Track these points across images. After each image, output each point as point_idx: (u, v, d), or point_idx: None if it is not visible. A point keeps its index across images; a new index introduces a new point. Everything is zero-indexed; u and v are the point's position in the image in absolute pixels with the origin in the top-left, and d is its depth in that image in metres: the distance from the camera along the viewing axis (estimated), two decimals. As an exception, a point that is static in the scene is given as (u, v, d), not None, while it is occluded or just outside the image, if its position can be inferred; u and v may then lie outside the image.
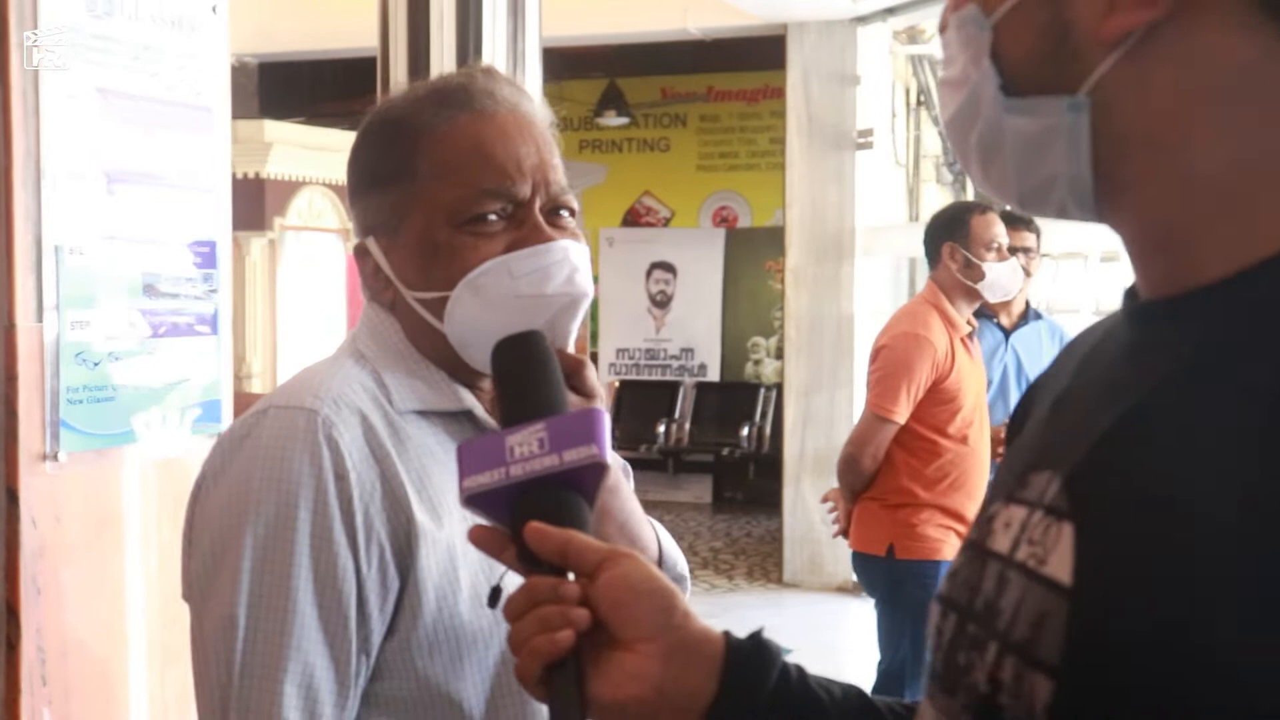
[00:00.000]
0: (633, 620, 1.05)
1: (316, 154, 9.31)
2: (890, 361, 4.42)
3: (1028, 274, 5.21)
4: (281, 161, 9.12)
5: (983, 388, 4.58)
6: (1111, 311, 1.00)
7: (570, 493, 1.13)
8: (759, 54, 9.96)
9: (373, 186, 1.49)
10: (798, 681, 1.07)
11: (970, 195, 9.80)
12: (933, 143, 9.96)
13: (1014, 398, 5.14)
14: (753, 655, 1.06)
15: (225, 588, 1.33)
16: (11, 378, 2.49)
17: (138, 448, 2.74)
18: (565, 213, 1.50)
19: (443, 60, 4.29)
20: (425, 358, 1.48)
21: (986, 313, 5.22)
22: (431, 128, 1.46)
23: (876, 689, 4.49)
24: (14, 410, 2.50)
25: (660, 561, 1.55)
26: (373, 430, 1.39)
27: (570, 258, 1.46)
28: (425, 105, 1.48)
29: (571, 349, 1.51)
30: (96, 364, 2.63)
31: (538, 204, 1.46)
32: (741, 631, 1.10)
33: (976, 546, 0.91)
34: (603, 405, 1.42)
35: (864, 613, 7.23)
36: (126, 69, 2.69)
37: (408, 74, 4.29)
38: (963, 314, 4.48)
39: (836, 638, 7.51)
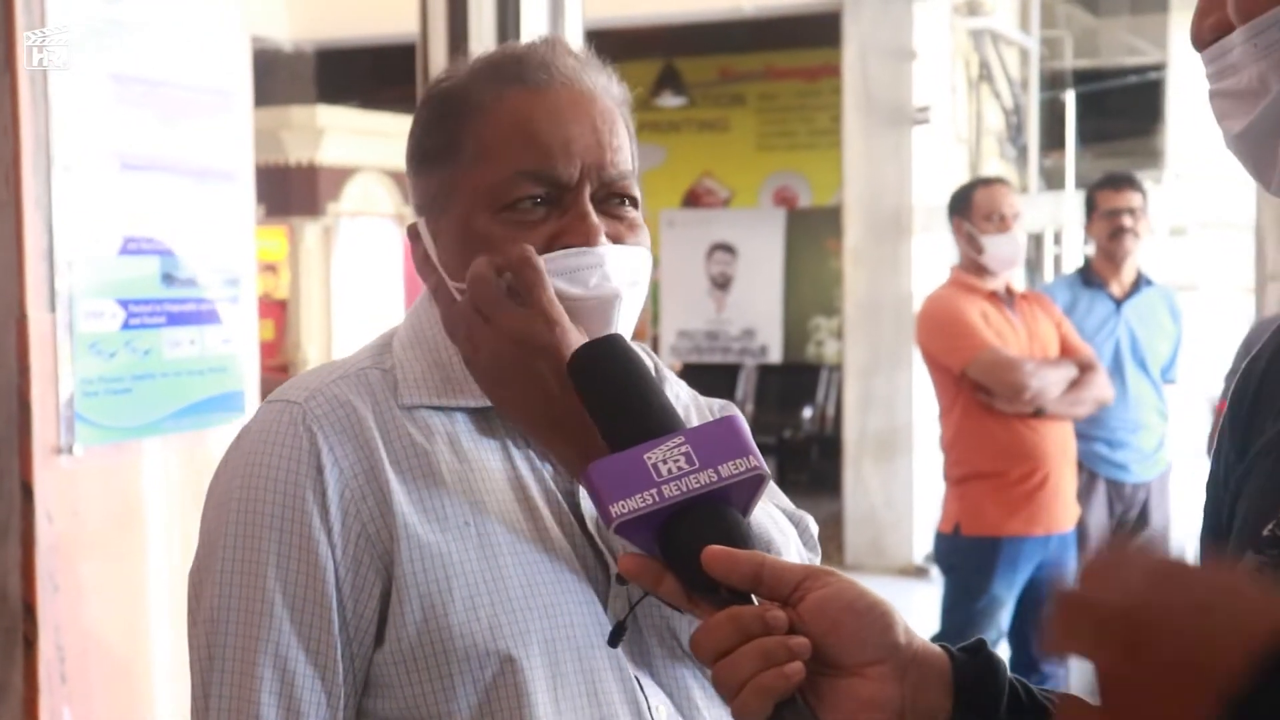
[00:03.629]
0: (858, 643, 0.97)
1: (371, 139, 9.28)
2: (940, 320, 4.49)
3: (1137, 235, 5.11)
4: (335, 147, 9.10)
5: (1040, 344, 4.49)
6: None
7: (731, 510, 1.04)
8: (818, 31, 9.81)
9: (423, 164, 1.39)
10: (1026, 694, 1.02)
11: (1033, 170, 9.62)
12: (994, 118, 9.77)
13: (1130, 371, 5.03)
14: (983, 668, 1.00)
15: (210, 582, 1.28)
16: (24, 370, 2.44)
17: (158, 440, 2.68)
18: (626, 202, 1.35)
19: (482, 41, 4.22)
20: (459, 348, 1.36)
21: (1097, 282, 5.13)
22: (479, 103, 1.34)
23: None
24: (27, 403, 2.44)
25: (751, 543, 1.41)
26: (362, 424, 1.30)
27: (605, 265, 1.31)
28: (477, 79, 1.36)
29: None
30: (113, 355, 2.57)
31: (587, 190, 1.32)
32: None
33: None
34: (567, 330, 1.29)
35: (926, 595, 7.12)
36: (139, 51, 2.62)
37: (447, 56, 4.23)
38: (987, 284, 4.52)
39: (898, 622, 7.39)
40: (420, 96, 1.40)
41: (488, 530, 1.30)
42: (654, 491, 1.03)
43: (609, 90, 1.37)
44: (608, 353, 1.18)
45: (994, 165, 9.68)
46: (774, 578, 0.99)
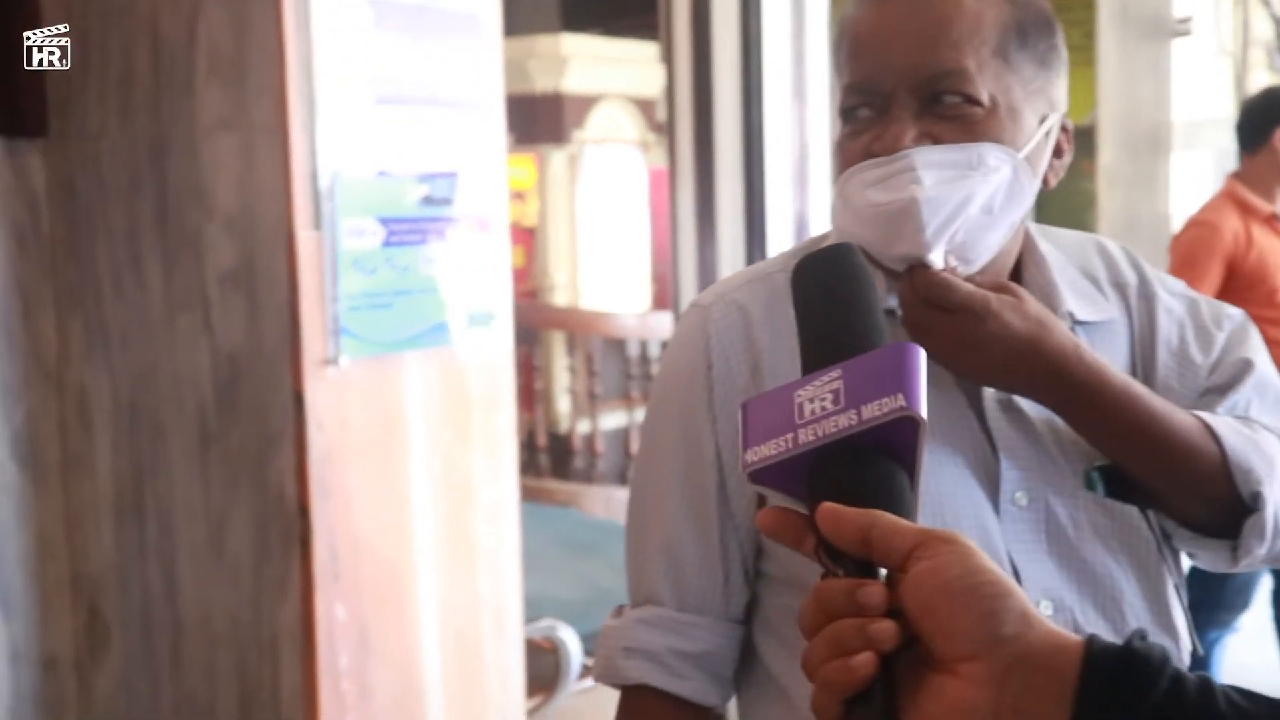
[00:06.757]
0: (948, 631, 0.78)
1: (615, 66, 9.35)
2: (1176, 258, 4.32)
3: None
4: (580, 75, 9.20)
5: None
6: None
7: (879, 459, 0.85)
8: (1070, -58, 9.46)
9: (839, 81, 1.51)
10: (1196, 698, 0.76)
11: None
12: (1262, 28, 9.29)
13: None
14: (1123, 671, 0.76)
15: (639, 452, 1.57)
16: (293, 285, 2.56)
17: (417, 354, 2.78)
18: (957, 99, 1.36)
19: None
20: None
21: None
22: (844, 26, 1.46)
23: None
24: (296, 317, 2.56)
25: (1228, 468, 1.35)
26: (752, 325, 1.47)
27: (915, 170, 1.34)
28: (856, 4, 1.47)
29: (940, 258, 1.36)
30: (374, 271, 2.67)
31: (903, 98, 1.37)
32: None
33: None
34: (988, 315, 1.34)
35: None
36: (396, -22, 2.70)
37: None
38: (1268, 205, 4.27)
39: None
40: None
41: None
42: (790, 436, 0.87)
43: None
44: (805, 271, 0.98)
45: (1262, 77, 9.23)
46: (883, 542, 0.80)
